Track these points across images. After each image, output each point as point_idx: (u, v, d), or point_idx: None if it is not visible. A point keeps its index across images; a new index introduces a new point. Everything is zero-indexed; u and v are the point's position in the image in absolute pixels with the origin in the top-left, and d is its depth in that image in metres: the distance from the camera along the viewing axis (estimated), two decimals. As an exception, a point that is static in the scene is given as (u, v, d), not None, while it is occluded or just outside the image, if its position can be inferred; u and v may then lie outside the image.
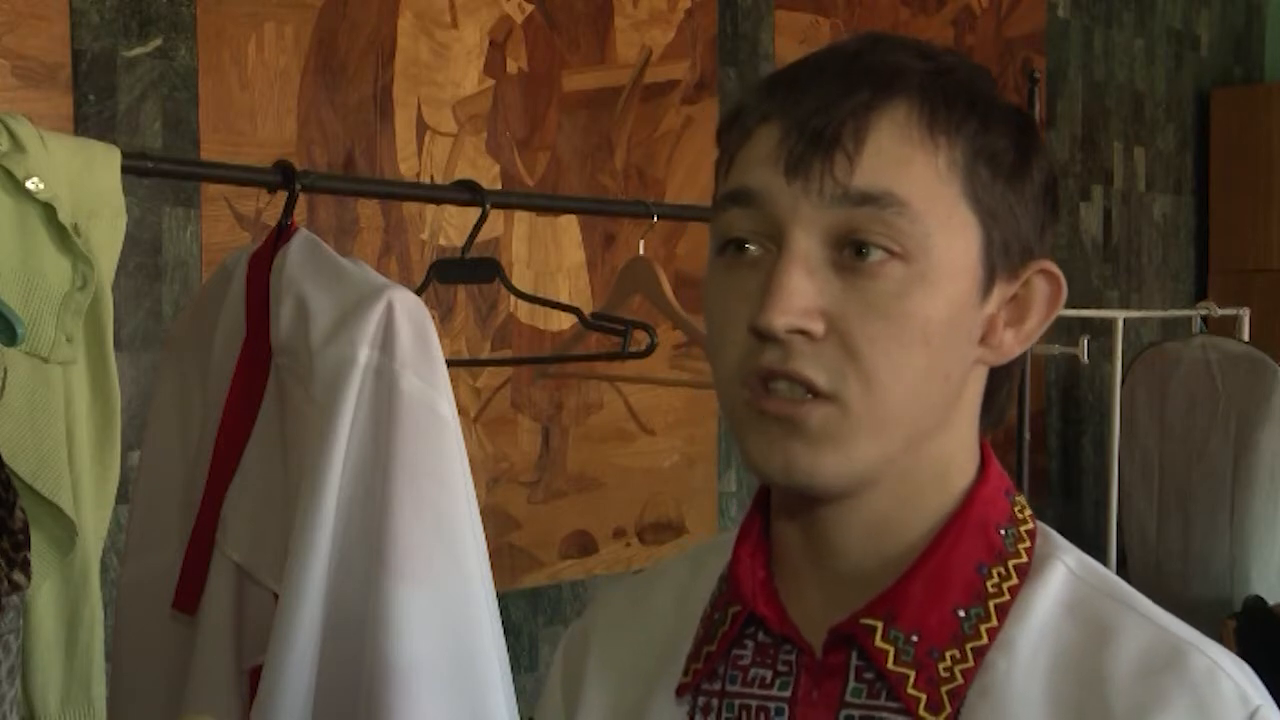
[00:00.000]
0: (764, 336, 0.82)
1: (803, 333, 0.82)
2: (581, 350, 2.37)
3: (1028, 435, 2.37)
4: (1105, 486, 3.81)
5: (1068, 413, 4.34)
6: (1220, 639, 0.88)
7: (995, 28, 3.96)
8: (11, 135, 1.29)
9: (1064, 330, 4.06)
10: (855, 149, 0.82)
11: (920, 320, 0.83)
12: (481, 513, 1.46)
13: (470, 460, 1.45)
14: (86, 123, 2.16)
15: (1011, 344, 0.89)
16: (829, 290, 0.82)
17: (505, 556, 2.77)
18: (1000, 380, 0.92)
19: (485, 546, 1.45)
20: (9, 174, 1.29)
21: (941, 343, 0.84)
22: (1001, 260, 0.86)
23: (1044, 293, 0.89)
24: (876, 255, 0.82)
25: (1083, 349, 3.46)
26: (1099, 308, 4.31)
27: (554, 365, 2.57)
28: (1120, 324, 3.72)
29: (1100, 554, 3.75)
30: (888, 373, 0.82)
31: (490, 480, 2.75)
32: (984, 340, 0.88)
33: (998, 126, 0.86)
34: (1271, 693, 0.86)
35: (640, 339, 1.96)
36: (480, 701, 1.40)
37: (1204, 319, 4.13)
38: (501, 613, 1.46)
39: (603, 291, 2.84)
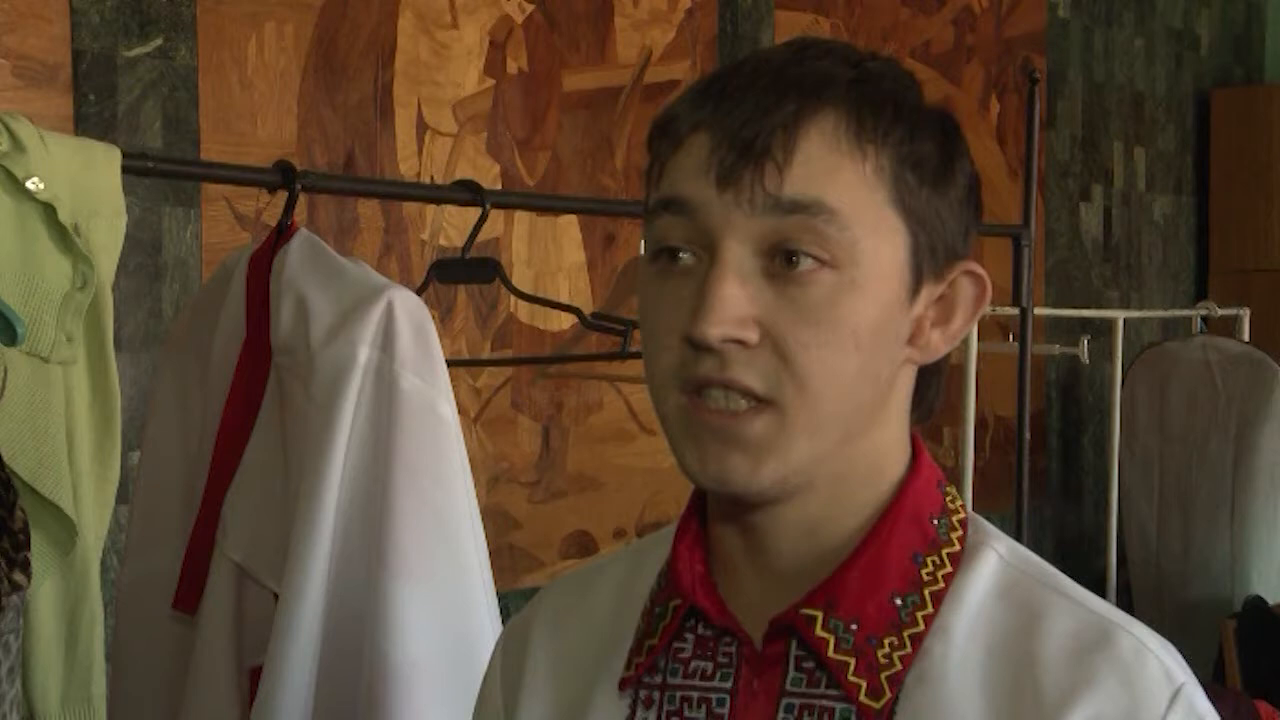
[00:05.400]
0: (699, 346, 0.84)
1: (738, 341, 0.84)
2: (581, 350, 2.37)
3: (1028, 435, 2.37)
4: (1105, 486, 3.81)
5: (1068, 413, 4.34)
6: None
7: (995, 28, 3.96)
8: (11, 135, 1.29)
9: (1064, 330, 4.06)
10: (785, 159, 0.84)
11: (851, 325, 0.85)
12: (481, 513, 1.46)
13: (470, 460, 1.45)
14: (86, 123, 2.16)
15: (938, 343, 0.91)
16: (761, 298, 0.84)
17: (505, 556, 2.77)
18: (929, 377, 0.94)
19: (485, 546, 1.45)
20: (9, 174, 1.29)
21: (872, 346, 0.86)
22: (928, 263, 0.88)
23: (969, 293, 0.91)
24: (807, 264, 0.84)
25: (1083, 349, 3.46)
26: (1099, 308, 4.31)
27: (554, 365, 2.57)
28: (1120, 324, 3.72)
29: (1100, 554, 3.76)
30: (821, 377, 0.85)
31: (490, 480, 2.75)
32: (912, 340, 0.90)
33: (923, 133, 0.88)
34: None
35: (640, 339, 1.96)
36: (480, 701, 1.40)
37: (1204, 319, 4.13)
38: (501, 613, 1.46)
39: (603, 291, 2.84)
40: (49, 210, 1.31)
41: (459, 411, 1.45)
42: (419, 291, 1.54)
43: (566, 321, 2.75)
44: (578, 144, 2.90)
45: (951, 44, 3.82)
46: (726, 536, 0.93)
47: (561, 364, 2.54)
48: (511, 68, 2.78)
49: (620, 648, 0.95)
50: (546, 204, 2.68)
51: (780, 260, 0.84)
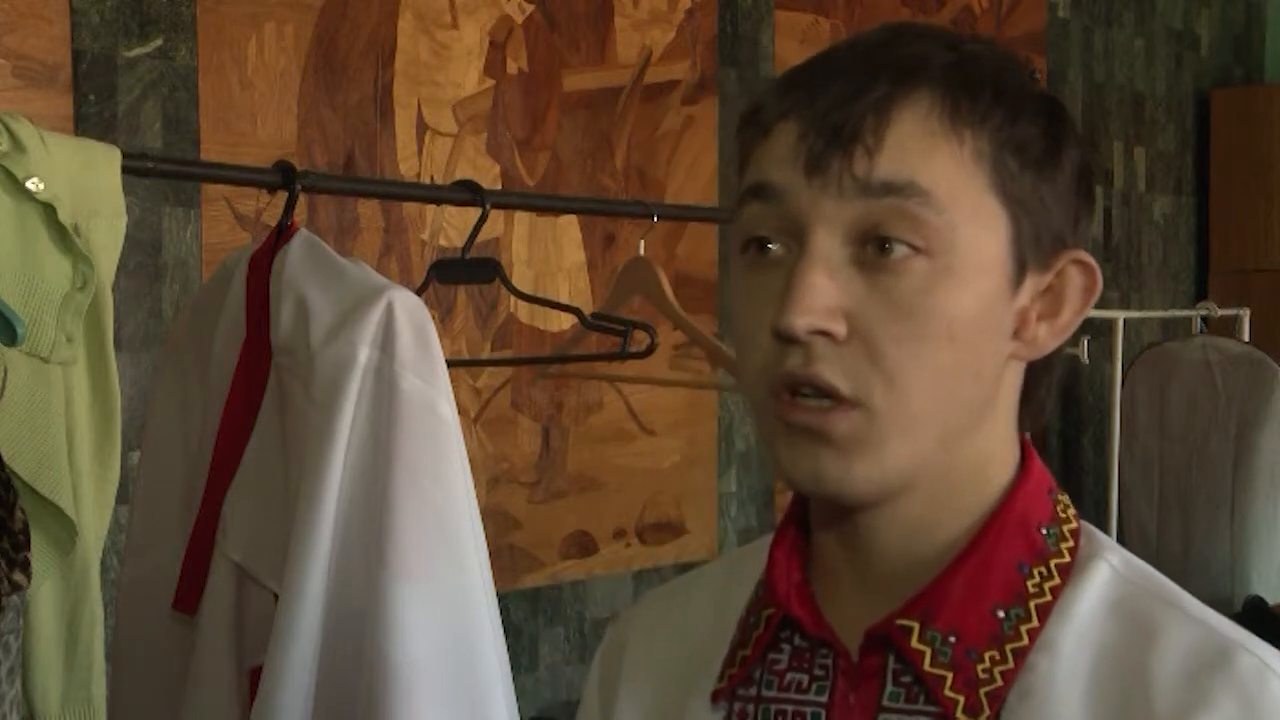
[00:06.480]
0: (786, 339, 0.81)
1: (825, 334, 0.80)
2: (581, 350, 2.37)
3: (1028, 435, 2.37)
4: (1105, 486, 3.81)
5: (1068, 413, 4.34)
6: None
7: (995, 28, 3.96)
8: (11, 135, 1.29)
9: (1064, 330, 4.05)
10: (875, 143, 0.80)
11: (945, 317, 0.81)
12: (481, 513, 1.46)
13: (470, 460, 1.45)
14: (86, 123, 2.16)
15: (1046, 338, 0.87)
16: (851, 289, 0.81)
17: (505, 556, 2.77)
18: (1039, 375, 0.90)
19: (485, 546, 1.45)
20: (9, 174, 1.29)
21: (969, 340, 0.82)
22: (1032, 252, 0.84)
23: (1078, 283, 0.87)
24: (900, 251, 0.80)
25: (1083, 349, 3.46)
26: (1099, 308, 4.30)
27: (554, 365, 2.56)
28: (1120, 324, 3.72)
29: (1100, 554, 3.74)
30: (912, 373, 0.81)
31: (490, 480, 2.75)
32: (1017, 335, 0.86)
33: (1026, 116, 0.84)
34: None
35: (640, 339, 1.96)
36: (480, 701, 1.40)
37: (1204, 319, 4.13)
38: (501, 613, 1.46)
39: (603, 291, 2.84)
40: (49, 210, 1.31)
41: (459, 411, 1.45)
42: (419, 292, 1.54)
43: (566, 322, 2.75)
44: (578, 144, 2.90)
45: (951, 44, 3.82)
46: (827, 544, 0.89)
47: (561, 364, 2.54)
48: (511, 68, 2.78)
49: (714, 659, 0.93)
50: (546, 204, 2.68)
51: (872, 248, 0.81)
